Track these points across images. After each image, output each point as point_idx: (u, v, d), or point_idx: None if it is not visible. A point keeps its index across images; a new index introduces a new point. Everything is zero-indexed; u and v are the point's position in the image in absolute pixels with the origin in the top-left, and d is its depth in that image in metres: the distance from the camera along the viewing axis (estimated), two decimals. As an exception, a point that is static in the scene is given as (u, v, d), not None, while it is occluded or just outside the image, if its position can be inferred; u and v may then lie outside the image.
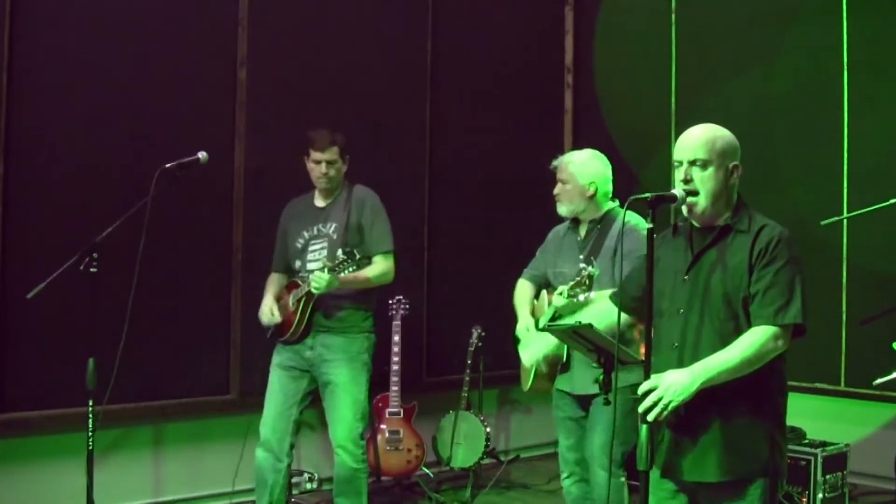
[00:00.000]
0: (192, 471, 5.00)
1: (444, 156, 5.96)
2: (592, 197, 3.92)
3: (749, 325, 2.65)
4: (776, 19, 5.52)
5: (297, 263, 4.38)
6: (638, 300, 2.85)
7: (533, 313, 4.06)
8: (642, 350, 2.72)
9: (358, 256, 4.03)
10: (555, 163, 4.04)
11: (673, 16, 6.05)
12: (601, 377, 2.87)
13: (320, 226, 4.36)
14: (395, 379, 5.18)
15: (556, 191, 4.01)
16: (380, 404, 5.22)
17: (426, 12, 5.90)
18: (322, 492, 5.26)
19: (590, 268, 3.58)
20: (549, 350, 3.75)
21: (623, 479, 3.84)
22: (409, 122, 5.80)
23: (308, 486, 5.27)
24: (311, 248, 4.35)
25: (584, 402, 3.85)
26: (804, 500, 4.62)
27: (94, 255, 3.64)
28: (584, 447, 3.85)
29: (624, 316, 2.89)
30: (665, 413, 2.55)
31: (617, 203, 3.99)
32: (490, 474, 5.67)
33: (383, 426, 5.21)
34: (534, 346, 3.82)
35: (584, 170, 3.94)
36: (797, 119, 5.41)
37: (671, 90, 6.03)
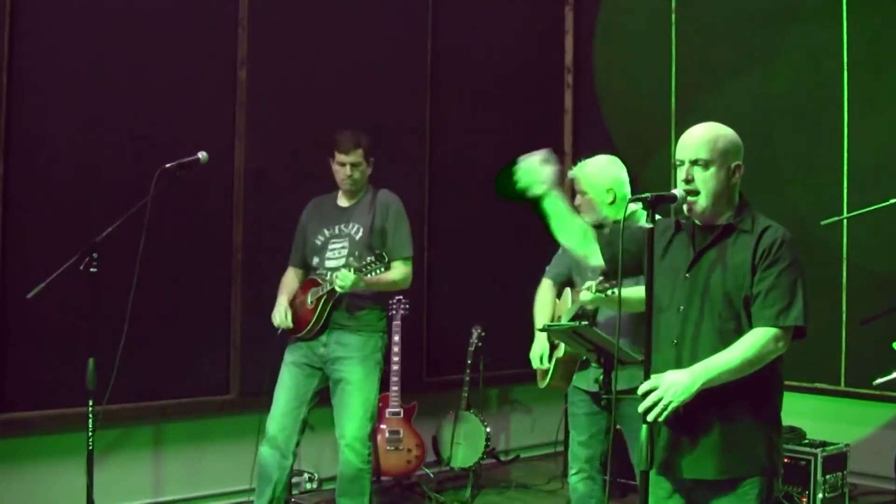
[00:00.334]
0: (192, 471, 5.00)
1: (444, 156, 5.96)
2: (613, 203, 3.90)
3: (749, 325, 2.65)
4: (776, 19, 5.52)
5: (315, 260, 4.40)
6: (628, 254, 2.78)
7: (554, 312, 4.07)
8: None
9: (387, 259, 4.07)
10: (571, 174, 4.00)
11: (673, 16, 6.05)
12: (601, 377, 2.88)
13: (342, 226, 4.39)
14: (395, 379, 5.18)
15: (576, 202, 3.98)
16: (380, 404, 5.21)
17: (426, 12, 5.90)
18: (322, 492, 5.26)
19: None
20: (563, 350, 3.78)
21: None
22: (409, 122, 5.80)
23: (308, 486, 5.27)
24: (330, 247, 4.37)
25: (598, 398, 3.87)
26: (804, 500, 4.62)
27: (94, 255, 3.65)
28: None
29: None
30: (665, 414, 2.55)
31: (640, 205, 3.97)
32: (490, 474, 5.67)
33: (383, 426, 5.21)
34: (537, 346, 3.89)
35: (601, 178, 3.90)
36: (797, 119, 5.41)
37: (671, 90, 6.03)
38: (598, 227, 3.97)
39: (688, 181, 2.70)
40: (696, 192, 2.70)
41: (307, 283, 4.39)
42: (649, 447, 2.55)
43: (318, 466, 5.32)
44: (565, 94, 6.68)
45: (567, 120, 6.68)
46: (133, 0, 4.74)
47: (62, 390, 4.33)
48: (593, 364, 3.44)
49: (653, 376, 2.60)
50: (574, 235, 3.01)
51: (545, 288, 4.13)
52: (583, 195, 3.95)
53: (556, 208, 2.98)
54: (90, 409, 3.69)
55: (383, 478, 5.32)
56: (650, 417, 2.56)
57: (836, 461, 4.71)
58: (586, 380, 3.87)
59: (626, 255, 2.71)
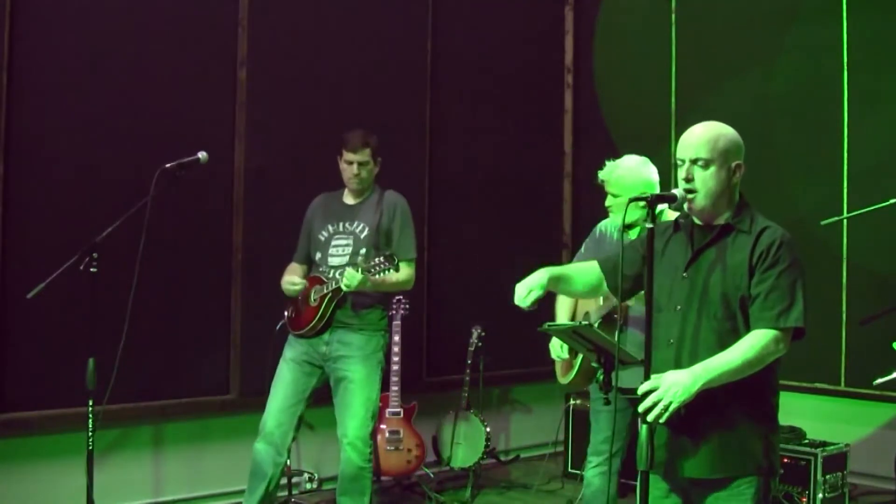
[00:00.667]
0: (192, 471, 5.00)
1: (444, 156, 5.96)
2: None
3: (746, 325, 2.65)
4: (776, 19, 5.52)
5: (318, 256, 4.41)
6: (627, 280, 2.89)
7: (575, 309, 4.09)
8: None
9: (396, 261, 4.07)
10: (602, 176, 3.99)
11: (673, 16, 6.05)
12: (601, 377, 2.87)
13: (347, 223, 4.39)
14: (395, 379, 5.18)
15: (607, 203, 3.96)
16: (380, 404, 5.21)
17: (426, 12, 5.90)
18: (322, 492, 5.26)
19: None
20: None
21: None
22: (409, 122, 5.80)
23: (308, 486, 5.27)
24: (334, 244, 4.37)
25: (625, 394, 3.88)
26: (804, 500, 4.63)
27: (94, 255, 3.65)
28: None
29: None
30: (666, 414, 2.55)
31: (667, 206, 3.97)
32: (490, 474, 5.67)
33: (383, 426, 5.21)
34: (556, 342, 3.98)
35: (633, 181, 3.90)
36: (797, 119, 5.41)
37: (671, 90, 6.03)
38: (629, 227, 3.97)
39: (688, 180, 2.70)
40: (695, 191, 2.70)
41: (311, 281, 4.38)
42: (649, 447, 2.55)
43: (318, 466, 5.32)
44: (565, 94, 6.68)
45: (567, 120, 6.68)
46: (133, 0, 4.74)
47: (62, 390, 4.33)
48: (593, 363, 3.44)
49: (653, 376, 2.60)
50: (581, 294, 3.21)
51: None
52: (614, 197, 3.94)
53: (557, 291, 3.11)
54: (90, 409, 3.69)
55: (383, 478, 5.31)
56: (650, 418, 2.56)
57: (836, 461, 4.71)
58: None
59: (626, 282, 2.85)
